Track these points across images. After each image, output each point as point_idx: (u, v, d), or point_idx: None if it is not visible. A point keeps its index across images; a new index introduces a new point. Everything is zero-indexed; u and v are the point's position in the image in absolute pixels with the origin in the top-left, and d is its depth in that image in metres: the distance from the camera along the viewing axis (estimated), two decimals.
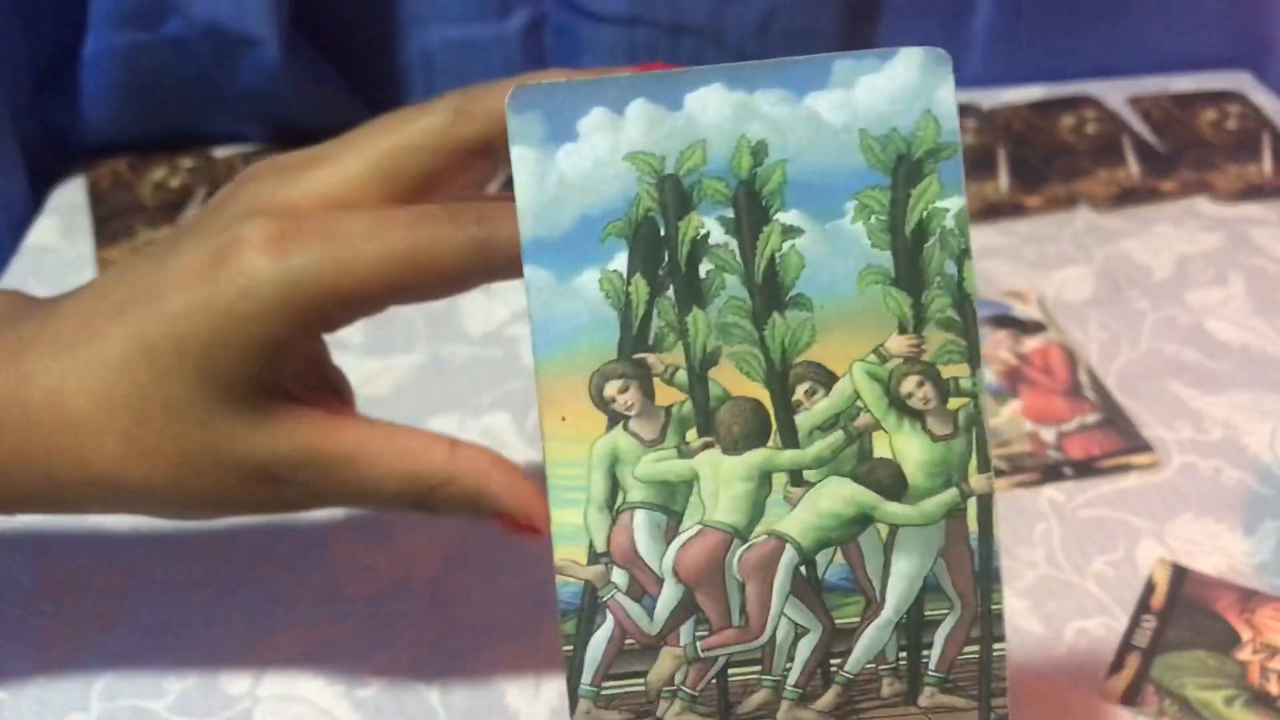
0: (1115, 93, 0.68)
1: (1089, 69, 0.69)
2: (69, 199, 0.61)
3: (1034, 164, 0.62)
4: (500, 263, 0.29)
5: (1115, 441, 0.46)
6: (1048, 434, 0.46)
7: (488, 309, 0.53)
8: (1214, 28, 0.70)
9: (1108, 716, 0.36)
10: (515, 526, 0.32)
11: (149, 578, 0.41)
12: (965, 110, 0.66)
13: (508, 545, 0.42)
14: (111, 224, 0.58)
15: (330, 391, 0.35)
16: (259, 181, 0.31)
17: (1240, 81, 0.69)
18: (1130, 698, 0.37)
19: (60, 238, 0.58)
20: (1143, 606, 0.39)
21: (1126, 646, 0.38)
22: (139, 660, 0.38)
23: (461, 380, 0.50)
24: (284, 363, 0.30)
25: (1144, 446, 0.45)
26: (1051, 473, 0.44)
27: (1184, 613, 0.39)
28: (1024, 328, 0.51)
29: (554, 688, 0.37)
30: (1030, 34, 0.68)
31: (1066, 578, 0.41)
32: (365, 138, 0.31)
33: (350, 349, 0.51)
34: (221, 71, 0.59)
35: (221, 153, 0.63)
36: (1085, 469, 0.45)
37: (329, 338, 0.34)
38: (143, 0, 0.57)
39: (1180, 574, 0.40)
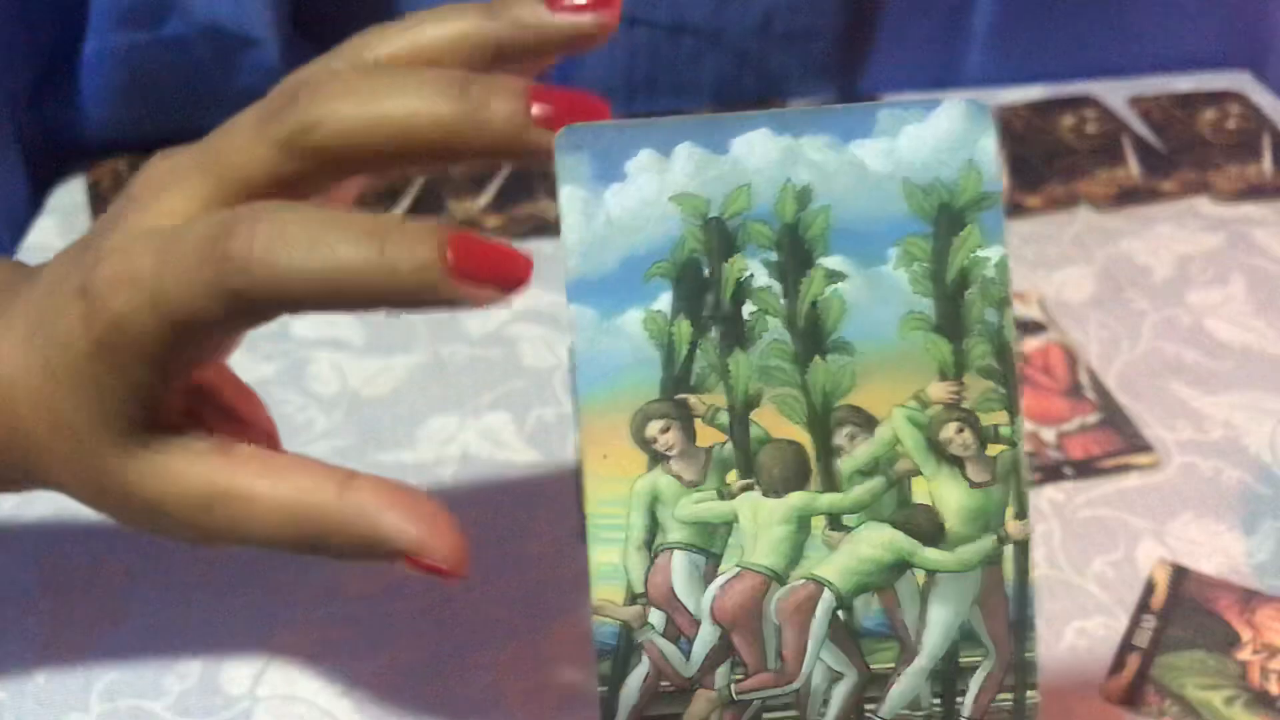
0: (1115, 93, 0.68)
1: (1089, 69, 0.69)
2: (69, 199, 0.61)
3: (1034, 164, 0.62)
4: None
5: (1115, 441, 0.46)
6: (1048, 434, 0.46)
7: (488, 309, 0.53)
8: (1214, 28, 0.70)
9: (1108, 717, 0.36)
10: (423, 569, 0.28)
11: (149, 577, 0.41)
12: None
13: (508, 546, 0.42)
14: None
15: (237, 420, 0.33)
16: (141, 177, 0.29)
17: (1240, 81, 0.69)
18: (1130, 698, 0.37)
19: (60, 238, 0.58)
20: (1143, 607, 0.39)
21: (1126, 647, 0.38)
22: (139, 660, 0.38)
23: (461, 380, 0.50)
24: (161, 398, 0.28)
25: (1144, 446, 0.45)
26: (1051, 473, 0.44)
27: (1184, 613, 0.39)
28: (1024, 328, 0.51)
29: (554, 688, 0.37)
30: (1030, 34, 0.68)
31: (1066, 578, 0.41)
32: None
33: (350, 349, 0.51)
34: (221, 71, 0.59)
35: None
36: (1085, 469, 0.45)
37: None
38: (143, 0, 0.57)
39: (1180, 574, 0.40)
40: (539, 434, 0.47)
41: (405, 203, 0.59)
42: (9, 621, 0.40)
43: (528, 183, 0.61)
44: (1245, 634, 0.38)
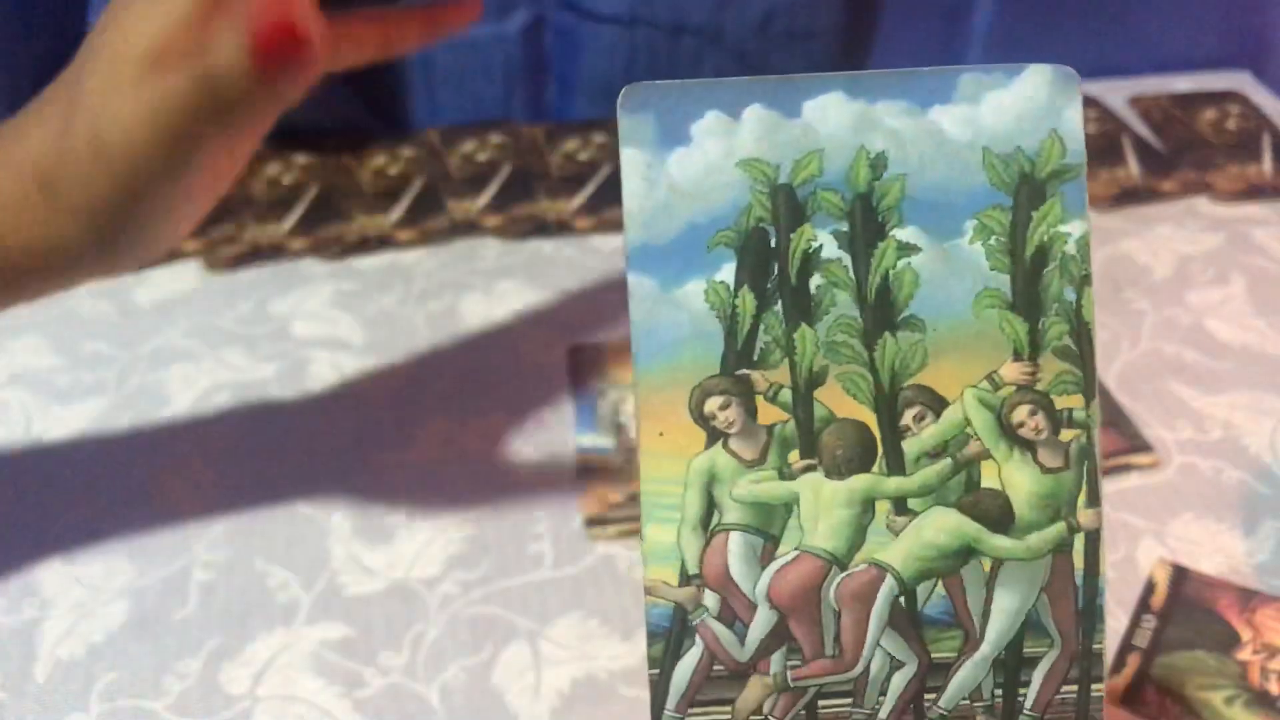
0: (1115, 93, 0.68)
1: (1089, 69, 0.69)
2: None
3: None
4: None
5: (1115, 441, 0.46)
6: None
7: (488, 309, 0.54)
8: (1214, 28, 0.70)
9: (1108, 717, 0.36)
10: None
11: (149, 577, 0.41)
12: None
13: (507, 545, 0.42)
14: None
15: None
16: None
17: (1240, 81, 0.69)
18: (1130, 698, 0.37)
19: None
20: (1143, 606, 0.39)
21: (1127, 647, 0.38)
22: (139, 660, 0.38)
23: (462, 380, 0.50)
24: None
25: (1144, 446, 0.45)
26: None
27: (1184, 613, 0.39)
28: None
29: (554, 688, 0.37)
30: (1030, 34, 0.68)
31: None
32: None
33: (350, 349, 0.51)
34: None
35: None
36: None
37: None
38: None
39: (1180, 574, 0.40)
40: (539, 434, 0.47)
41: (405, 203, 0.60)
42: (9, 622, 0.40)
43: (527, 183, 0.61)
44: (1245, 634, 0.38)
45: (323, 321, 0.53)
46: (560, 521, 0.43)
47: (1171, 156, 0.62)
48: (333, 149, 0.63)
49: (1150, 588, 0.40)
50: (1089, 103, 0.67)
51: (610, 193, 0.60)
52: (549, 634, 0.39)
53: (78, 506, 0.44)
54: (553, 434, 0.47)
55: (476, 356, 0.51)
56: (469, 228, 0.59)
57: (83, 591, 0.41)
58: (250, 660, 0.38)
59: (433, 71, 0.65)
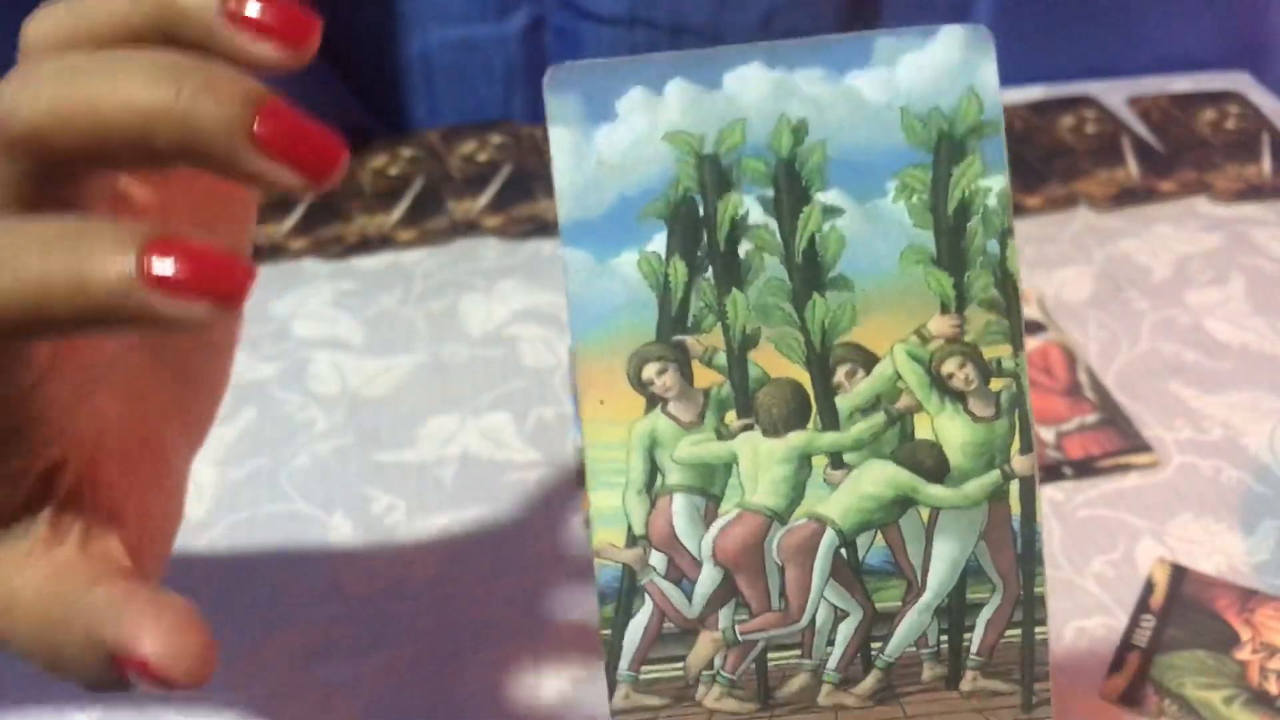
0: (1115, 93, 0.68)
1: (1089, 69, 0.69)
2: None
3: (1034, 164, 0.62)
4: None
5: (1115, 441, 0.46)
6: (1047, 434, 0.46)
7: (488, 309, 0.54)
8: (1214, 28, 0.70)
9: (1107, 716, 0.36)
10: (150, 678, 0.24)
11: None
12: None
13: (508, 546, 0.42)
14: None
15: None
16: None
17: (1240, 81, 0.69)
18: (1130, 698, 0.37)
19: None
20: (1142, 606, 0.39)
21: (1126, 646, 0.38)
22: None
23: (461, 380, 0.50)
24: None
25: (1143, 446, 0.45)
26: (1051, 472, 0.45)
27: (1183, 612, 0.39)
28: (1024, 327, 0.51)
29: (554, 687, 0.37)
30: (1030, 34, 0.68)
31: (1066, 577, 0.41)
32: None
33: (350, 349, 0.51)
34: None
35: None
36: (1085, 469, 0.45)
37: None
38: None
39: (1180, 574, 0.40)
40: (539, 434, 0.47)
41: (405, 203, 0.60)
42: None
43: (527, 183, 0.61)
44: (1244, 633, 0.38)
45: (323, 321, 0.53)
46: (560, 521, 0.43)
47: (1171, 157, 0.63)
48: None
49: (1149, 587, 0.40)
50: (1088, 103, 0.67)
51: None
52: (549, 633, 0.39)
53: None
54: (553, 434, 0.47)
55: (476, 356, 0.51)
56: (469, 228, 0.59)
57: None
58: (250, 660, 0.38)
59: (432, 71, 0.65)
